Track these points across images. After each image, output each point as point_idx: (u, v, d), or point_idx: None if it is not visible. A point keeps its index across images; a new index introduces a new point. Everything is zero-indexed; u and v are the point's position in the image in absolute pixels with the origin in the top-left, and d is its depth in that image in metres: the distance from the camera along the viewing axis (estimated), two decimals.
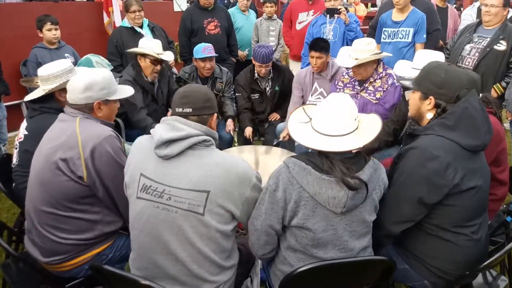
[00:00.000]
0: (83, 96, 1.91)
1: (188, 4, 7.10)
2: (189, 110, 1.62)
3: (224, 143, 3.77)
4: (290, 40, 5.18)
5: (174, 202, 1.56)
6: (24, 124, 2.26)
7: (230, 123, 3.80)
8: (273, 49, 5.52)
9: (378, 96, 3.11)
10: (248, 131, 3.76)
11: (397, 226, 1.74)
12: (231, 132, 3.75)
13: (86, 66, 2.70)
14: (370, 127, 1.63)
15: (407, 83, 1.98)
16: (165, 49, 3.55)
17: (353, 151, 1.59)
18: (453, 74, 1.73)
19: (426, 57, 2.89)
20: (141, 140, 1.72)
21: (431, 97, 1.76)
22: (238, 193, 1.60)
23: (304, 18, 4.97)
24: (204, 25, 4.67)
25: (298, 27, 5.00)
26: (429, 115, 1.80)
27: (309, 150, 1.65)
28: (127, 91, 2.14)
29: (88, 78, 1.92)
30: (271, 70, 3.87)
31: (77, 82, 1.92)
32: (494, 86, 3.50)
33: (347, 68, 3.33)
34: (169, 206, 1.56)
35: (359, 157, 1.60)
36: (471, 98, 1.68)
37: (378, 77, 3.10)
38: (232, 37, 5.00)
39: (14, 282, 1.93)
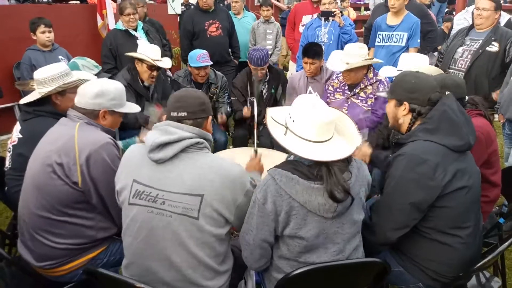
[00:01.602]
0: (92, 102, 1.92)
1: (183, 7, 7.10)
2: (183, 114, 1.62)
3: (219, 146, 3.76)
4: (293, 43, 5.18)
5: (168, 206, 1.55)
6: (17, 127, 2.24)
7: (219, 116, 3.82)
8: (270, 52, 5.52)
9: (369, 102, 3.12)
10: (245, 108, 3.75)
11: (393, 233, 1.76)
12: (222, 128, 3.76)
13: (73, 70, 2.68)
14: (344, 125, 1.67)
15: (382, 94, 2.07)
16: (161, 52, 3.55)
17: None
18: (422, 79, 1.84)
19: (410, 59, 2.94)
20: (132, 148, 1.72)
21: (405, 102, 1.84)
22: (231, 198, 1.60)
23: (308, 21, 4.98)
24: (206, 27, 4.65)
25: (301, 29, 4.97)
26: (406, 120, 1.86)
27: (291, 157, 1.64)
28: (134, 107, 2.17)
29: (102, 85, 1.96)
30: (267, 73, 3.88)
31: (90, 87, 1.95)
32: (496, 92, 3.52)
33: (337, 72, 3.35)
34: (163, 210, 1.56)
35: (346, 158, 1.58)
36: (447, 101, 1.76)
37: (368, 83, 3.12)
38: (234, 38, 4.97)
39: (7, 286, 1.92)
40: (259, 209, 1.57)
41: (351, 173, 1.56)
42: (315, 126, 1.53)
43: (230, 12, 5.55)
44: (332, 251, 1.61)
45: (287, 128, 1.60)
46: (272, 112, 1.71)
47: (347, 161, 1.58)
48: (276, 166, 1.60)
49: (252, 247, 1.64)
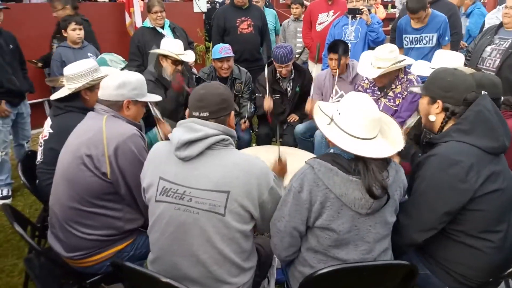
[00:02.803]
0: (115, 93, 1.97)
1: (208, 5, 7.13)
2: (206, 114, 1.62)
3: (243, 144, 3.77)
4: (310, 42, 5.12)
5: (195, 203, 1.56)
6: (48, 122, 2.30)
7: (242, 122, 3.83)
8: (300, 50, 5.46)
9: (397, 102, 3.06)
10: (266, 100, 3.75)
11: (420, 234, 1.72)
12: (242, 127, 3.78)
13: (101, 65, 2.74)
14: (390, 129, 1.66)
15: (416, 90, 2.01)
16: (185, 49, 3.58)
17: None
18: (459, 77, 1.76)
19: (445, 57, 2.85)
20: (158, 146, 1.73)
21: (438, 100, 1.78)
22: (257, 194, 1.60)
23: (324, 19, 4.92)
24: (237, 24, 4.63)
25: (318, 28, 4.95)
26: (439, 119, 1.81)
27: (331, 151, 1.64)
28: (155, 97, 2.22)
29: (123, 77, 2.01)
30: (293, 71, 3.85)
31: (111, 79, 2.00)
32: None
33: None
34: (190, 207, 1.57)
35: (385, 159, 1.58)
36: (483, 102, 1.70)
37: (399, 83, 3.05)
38: (266, 37, 4.91)
39: (36, 276, 1.98)
40: (294, 197, 1.57)
41: (388, 172, 1.55)
42: (361, 121, 1.53)
43: None
44: (362, 249, 1.59)
45: (332, 119, 1.60)
46: (321, 103, 1.73)
47: (386, 162, 1.57)
48: (316, 157, 1.61)
49: (283, 234, 1.64)
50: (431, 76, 1.87)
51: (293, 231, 1.62)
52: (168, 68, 3.35)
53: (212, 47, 4.73)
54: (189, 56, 3.41)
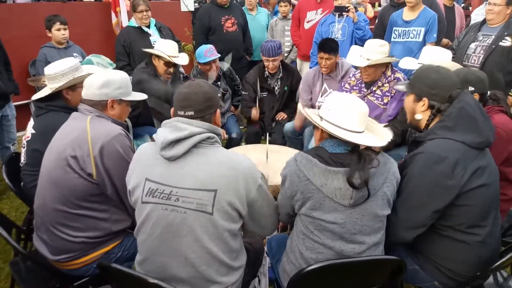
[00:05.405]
0: (98, 92, 1.94)
1: (196, 4, 7.10)
2: (191, 113, 1.61)
3: (234, 141, 3.76)
4: (298, 40, 5.12)
5: (182, 203, 1.55)
6: (31, 123, 2.27)
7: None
8: (289, 49, 5.47)
9: (385, 101, 3.07)
10: (254, 110, 3.82)
11: (409, 232, 1.73)
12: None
13: None
14: (377, 126, 1.74)
15: (401, 88, 2.02)
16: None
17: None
18: (443, 74, 1.77)
19: (433, 53, 2.88)
20: (143, 147, 1.71)
21: (424, 98, 1.79)
22: (245, 193, 1.59)
23: (313, 17, 4.92)
24: (222, 23, 4.65)
25: (307, 26, 4.95)
26: (424, 116, 1.82)
27: (320, 145, 1.67)
28: (140, 95, 2.19)
29: (107, 76, 1.98)
30: (281, 70, 3.84)
31: (95, 78, 1.96)
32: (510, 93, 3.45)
33: (355, 69, 3.30)
34: (178, 207, 1.55)
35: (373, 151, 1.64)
36: (465, 98, 1.72)
37: (386, 81, 3.06)
38: (247, 35, 4.97)
39: (22, 280, 1.95)
40: (281, 187, 1.73)
41: (379, 161, 1.59)
42: (348, 115, 1.58)
43: (244, 8, 5.53)
44: (348, 240, 1.61)
45: (321, 117, 1.66)
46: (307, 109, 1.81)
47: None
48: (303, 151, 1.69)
49: (283, 219, 1.85)
50: (416, 74, 1.88)
51: (289, 218, 1.80)
52: (160, 68, 3.35)
53: (197, 47, 4.74)
54: (182, 59, 3.40)
